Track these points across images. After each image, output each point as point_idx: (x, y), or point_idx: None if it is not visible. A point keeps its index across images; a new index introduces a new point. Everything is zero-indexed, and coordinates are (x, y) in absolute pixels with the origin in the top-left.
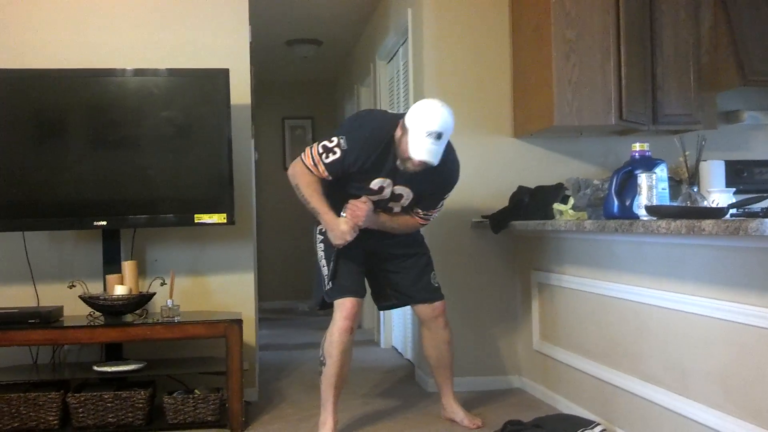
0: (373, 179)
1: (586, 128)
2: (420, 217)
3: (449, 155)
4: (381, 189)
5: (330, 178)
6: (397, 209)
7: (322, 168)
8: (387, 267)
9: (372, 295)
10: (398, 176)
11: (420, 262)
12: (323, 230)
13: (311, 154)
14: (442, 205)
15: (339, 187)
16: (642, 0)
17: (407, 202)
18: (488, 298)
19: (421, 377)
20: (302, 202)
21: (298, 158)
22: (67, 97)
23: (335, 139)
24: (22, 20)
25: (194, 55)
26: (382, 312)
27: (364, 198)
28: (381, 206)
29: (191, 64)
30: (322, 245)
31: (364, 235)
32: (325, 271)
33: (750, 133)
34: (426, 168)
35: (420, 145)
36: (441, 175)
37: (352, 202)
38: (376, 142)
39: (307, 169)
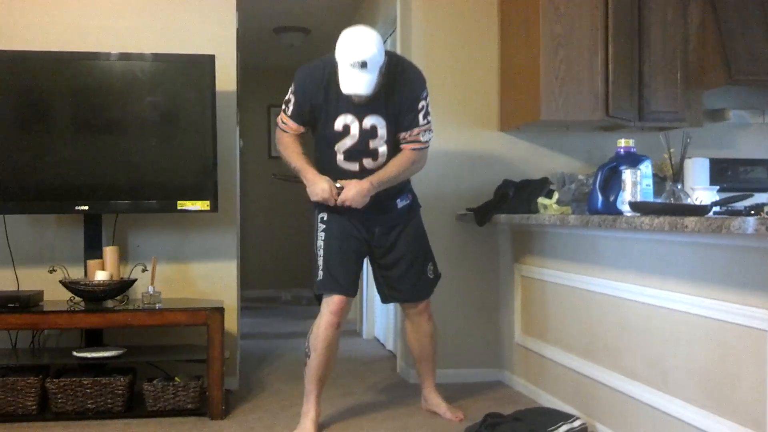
0: (336, 119)
1: (572, 123)
2: (408, 143)
3: (402, 64)
4: (347, 128)
5: (301, 128)
6: (382, 148)
7: (289, 121)
8: (386, 266)
9: (376, 288)
10: (359, 108)
11: (416, 261)
12: (324, 218)
13: (280, 115)
14: (427, 122)
15: (321, 149)
16: None
17: (386, 134)
18: (471, 290)
19: (404, 368)
20: (288, 166)
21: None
22: (50, 80)
23: (288, 90)
24: (7, 2)
25: (180, 41)
26: (365, 303)
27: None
28: (364, 153)
29: (177, 50)
30: (323, 234)
31: (364, 227)
32: (320, 261)
33: (735, 131)
34: (378, 90)
35: (345, 77)
36: (402, 85)
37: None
38: (318, 75)
39: (282, 130)
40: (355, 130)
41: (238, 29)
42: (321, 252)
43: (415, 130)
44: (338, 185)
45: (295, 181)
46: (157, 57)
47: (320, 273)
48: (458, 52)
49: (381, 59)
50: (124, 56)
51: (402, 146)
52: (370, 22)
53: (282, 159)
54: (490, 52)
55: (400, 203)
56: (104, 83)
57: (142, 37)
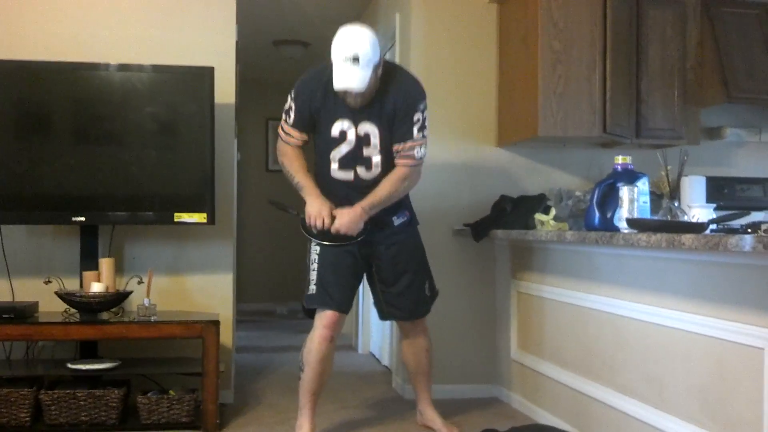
0: (333, 124)
1: (570, 139)
2: (402, 158)
3: (398, 72)
4: (343, 134)
5: (304, 135)
6: (376, 157)
7: (291, 130)
8: (385, 284)
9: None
10: (356, 114)
11: (415, 279)
12: None
13: (281, 125)
14: (423, 136)
15: (318, 160)
16: (629, 14)
17: (379, 143)
18: (468, 306)
19: (398, 384)
20: (290, 180)
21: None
22: (50, 89)
23: (288, 99)
24: (7, 11)
25: (180, 53)
26: (360, 317)
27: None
28: (358, 160)
29: (177, 62)
30: (318, 248)
31: (362, 245)
32: (312, 275)
33: (732, 149)
34: (374, 97)
35: (338, 72)
36: (398, 93)
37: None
38: (316, 80)
39: (284, 141)
40: (351, 136)
41: (237, 42)
42: (315, 266)
43: (409, 143)
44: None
45: (292, 213)
46: (156, 68)
47: (312, 287)
48: (457, 67)
49: (375, 57)
50: (124, 67)
51: (396, 161)
52: None
53: (284, 171)
54: (489, 67)
55: (397, 220)
56: (103, 94)
57: (142, 48)
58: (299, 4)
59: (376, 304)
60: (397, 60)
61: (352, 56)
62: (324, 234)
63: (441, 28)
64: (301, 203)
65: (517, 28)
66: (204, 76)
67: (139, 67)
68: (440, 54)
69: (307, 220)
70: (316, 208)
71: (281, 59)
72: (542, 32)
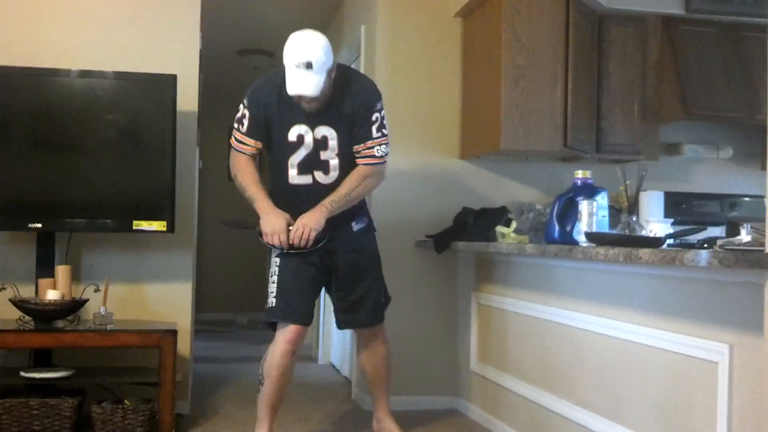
0: (290, 129)
1: (531, 153)
2: (362, 158)
3: (352, 75)
4: (301, 138)
5: (258, 143)
6: (333, 161)
7: (245, 138)
8: (344, 289)
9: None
10: (312, 118)
11: (373, 285)
12: None
13: (233, 135)
14: (382, 135)
15: (274, 168)
16: (591, 30)
17: (337, 146)
18: (428, 317)
19: (358, 395)
20: (242, 192)
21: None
22: (8, 95)
23: (240, 107)
24: None
25: (143, 60)
26: (321, 328)
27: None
28: (315, 164)
29: (140, 69)
30: (278, 260)
31: (321, 253)
32: (272, 288)
33: (690, 165)
34: (329, 100)
35: (291, 78)
36: (354, 95)
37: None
38: (269, 87)
39: (237, 151)
40: (309, 139)
41: (201, 50)
42: (275, 278)
43: (368, 143)
44: (290, 228)
45: (246, 227)
46: (118, 75)
47: (272, 300)
48: (421, 80)
49: (328, 62)
50: (84, 73)
51: (357, 161)
52: (334, 47)
53: (236, 183)
54: (453, 80)
55: (356, 226)
56: (64, 100)
57: (104, 54)
58: (264, 13)
59: (335, 312)
60: (362, 71)
61: (305, 62)
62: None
63: (406, 41)
64: (255, 215)
65: (481, 42)
66: (167, 83)
67: (101, 74)
68: (405, 66)
69: (264, 239)
70: (271, 226)
71: (245, 68)
72: (505, 47)
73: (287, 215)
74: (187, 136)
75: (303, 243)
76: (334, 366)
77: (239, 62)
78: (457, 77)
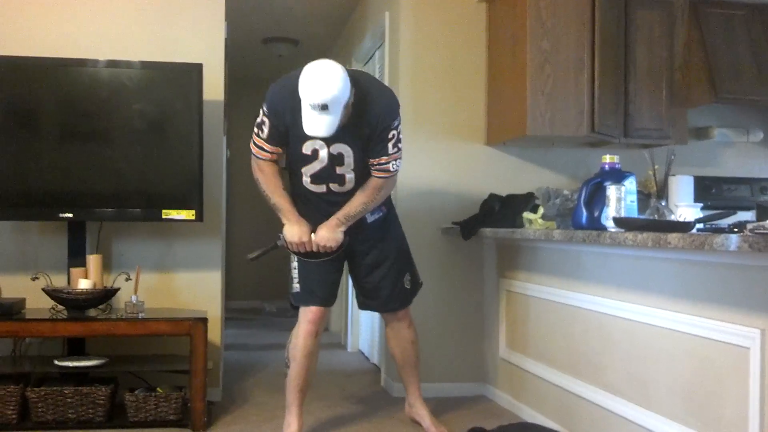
0: (305, 143)
1: (558, 139)
2: (377, 170)
3: (370, 94)
4: (315, 153)
5: (278, 149)
6: (349, 174)
7: (265, 144)
8: (359, 277)
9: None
10: (329, 137)
11: (391, 272)
12: None
13: (253, 142)
14: (397, 150)
15: (290, 170)
16: (617, 14)
17: (353, 162)
18: (456, 304)
19: (387, 382)
20: (266, 200)
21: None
22: (37, 86)
23: (259, 114)
24: None
25: (169, 49)
26: (350, 315)
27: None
28: (330, 177)
29: (166, 58)
30: None
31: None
32: (294, 273)
33: (720, 149)
34: (348, 119)
35: (307, 119)
36: (372, 116)
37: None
38: (287, 97)
39: (258, 157)
40: (323, 155)
41: (226, 39)
42: (296, 264)
43: (384, 158)
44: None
45: (270, 250)
46: (144, 65)
47: (296, 285)
48: (446, 66)
49: (345, 97)
50: (112, 63)
51: (371, 172)
52: (358, 34)
53: (260, 189)
54: (478, 66)
55: (371, 218)
56: (91, 90)
57: (130, 44)
58: (288, 2)
59: (356, 294)
60: (386, 59)
61: (320, 104)
62: (306, 251)
63: (430, 28)
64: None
65: (505, 27)
66: (193, 72)
67: (128, 64)
68: (429, 53)
69: (289, 247)
70: (296, 236)
71: (270, 56)
72: (530, 32)
73: (309, 226)
74: (213, 125)
75: (324, 250)
76: (363, 353)
77: (264, 50)
78: (482, 63)
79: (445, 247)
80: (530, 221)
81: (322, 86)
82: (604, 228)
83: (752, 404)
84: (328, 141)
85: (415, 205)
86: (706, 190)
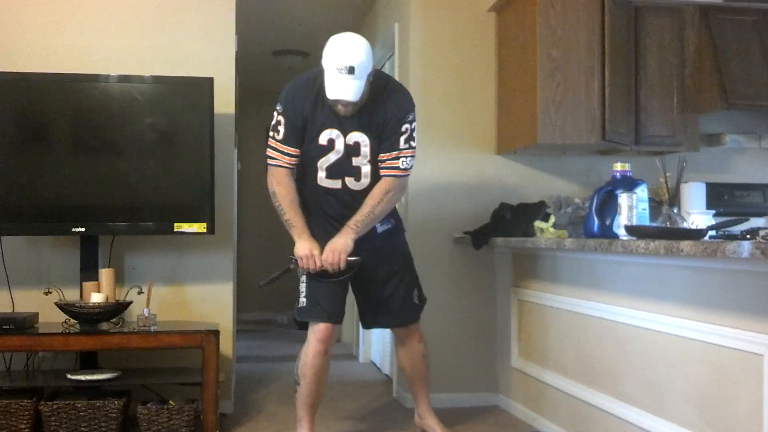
0: (321, 132)
1: (568, 147)
2: (387, 169)
3: (389, 82)
4: (331, 143)
5: (297, 150)
6: (366, 167)
7: (282, 147)
8: (369, 292)
9: (358, 313)
10: (345, 124)
11: (401, 286)
12: None
13: (269, 146)
14: (409, 147)
15: (304, 168)
16: (627, 21)
17: (368, 152)
18: (468, 313)
19: (400, 393)
20: (279, 214)
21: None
22: (50, 101)
23: (274, 114)
24: (6, 22)
25: (180, 63)
26: (361, 326)
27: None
28: (346, 170)
29: (176, 72)
30: None
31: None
32: (302, 287)
33: (732, 156)
34: (364, 106)
35: (332, 82)
36: (390, 103)
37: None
38: (306, 88)
39: (274, 165)
40: (340, 145)
41: (237, 52)
42: (304, 278)
43: (394, 153)
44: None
45: (281, 275)
46: (156, 79)
47: (303, 300)
48: (456, 75)
49: (369, 66)
50: (124, 78)
51: (381, 171)
52: None
53: (273, 201)
54: (488, 75)
55: (380, 228)
56: (103, 105)
57: (141, 59)
58: (298, 14)
59: (360, 313)
60: (396, 69)
61: (347, 66)
62: (319, 271)
63: (440, 37)
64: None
65: (515, 36)
66: (203, 86)
67: (139, 78)
68: (439, 63)
69: (300, 263)
70: (306, 250)
71: (281, 69)
72: (541, 40)
73: (318, 247)
74: (224, 138)
75: (335, 267)
76: (374, 364)
77: (275, 63)
78: (492, 72)
79: (457, 257)
80: (542, 230)
81: (349, 50)
82: (616, 236)
83: (766, 411)
84: (346, 129)
85: (426, 215)
86: (718, 196)
